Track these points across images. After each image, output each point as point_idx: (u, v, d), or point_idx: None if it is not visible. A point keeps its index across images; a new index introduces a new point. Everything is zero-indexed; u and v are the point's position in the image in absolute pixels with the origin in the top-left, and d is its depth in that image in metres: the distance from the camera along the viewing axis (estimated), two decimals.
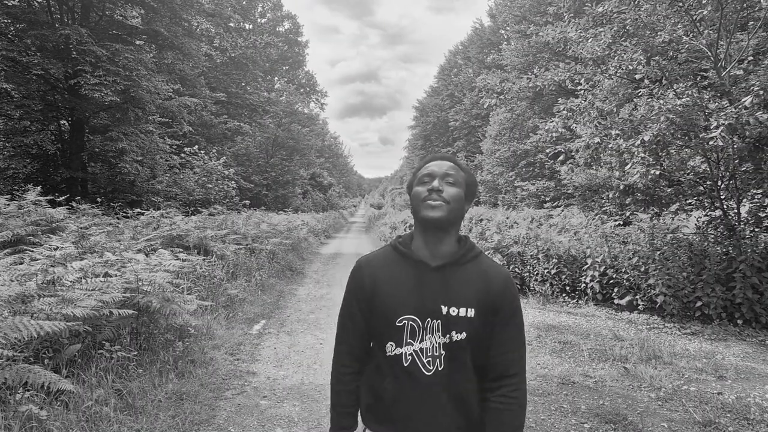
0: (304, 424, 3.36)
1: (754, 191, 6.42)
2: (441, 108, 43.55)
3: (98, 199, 12.00)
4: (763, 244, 6.01)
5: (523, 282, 8.02)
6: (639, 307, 6.51)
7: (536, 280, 7.79)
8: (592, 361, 4.73)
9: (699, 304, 5.91)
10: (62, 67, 11.79)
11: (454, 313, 1.26)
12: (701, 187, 6.68)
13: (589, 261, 7.22)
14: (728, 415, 3.48)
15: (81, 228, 6.40)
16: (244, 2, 36.50)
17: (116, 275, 4.25)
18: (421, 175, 1.33)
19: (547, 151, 13.85)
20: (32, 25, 11.85)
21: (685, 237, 6.79)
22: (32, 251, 4.63)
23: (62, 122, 13.66)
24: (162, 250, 5.77)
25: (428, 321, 1.27)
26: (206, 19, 18.57)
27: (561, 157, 10.91)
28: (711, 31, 6.33)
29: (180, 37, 14.75)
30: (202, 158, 18.87)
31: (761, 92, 5.09)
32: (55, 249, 4.58)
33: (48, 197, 8.47)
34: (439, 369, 1.27)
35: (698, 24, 6.28)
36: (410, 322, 1.28)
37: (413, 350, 1.28)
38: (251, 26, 37.81)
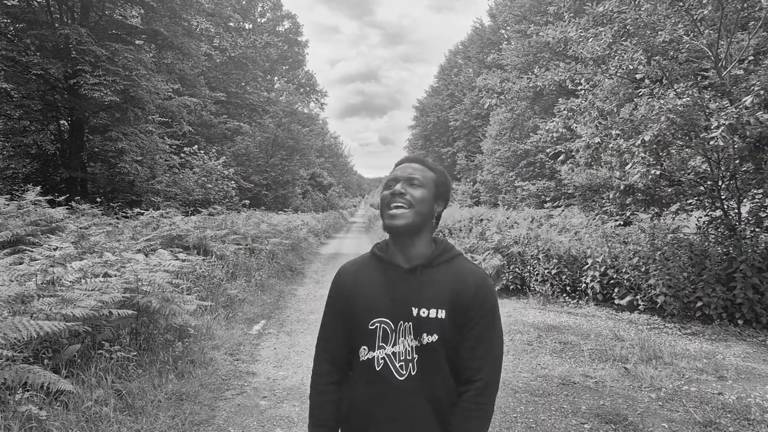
0: (303, 425, 3.35)
1: (755, 191, 6.42)
2: (441, 108, 43.58)
3: (98, 199, 11.97)
4: (763, 244, 6.00)
5: (523, 282, 8.02)
6: (639, 307, 6.51)
7: (536, 280, 7.79)
8: (592, 361, 4.73)
9: (699, 304, 5.91)
10: (62, 66, 11.77)
11: (425, 315, 1.24)
12: (702, 187, 6.68)
13: (590, 261, 7.22)
14: (729, 415, 3.47)
15: (80, 228, 6.39)
16: (243, 2, 36.49)
17: (116, 275, 4.24)
18: (387, 179, 1.33)
19: (548, 151, 13.87)
20: (32, 24, 11.84)
21: (685, 237, 6.79)
22: (32, 251, 4.62)
23: (62, 122, 13.65)
24: (161, 250, 5.76)
25: (401, 324, 1.25)
26: (206, 19, 18.56)
27: (561, 157, 10.92)
28: (711, 31, 6.33)
29: (179, 36, 14.74)
30: (202, 158, 18.85)
31: (762, 92, 5.09)
32: (55, 249, 4.57)
33: (47, 197, 8.47)
34: (412, 373, 1.24)
35: (699, 24, 6.27)
36: (382, 325, 1.27)
37: (385, 354, 1.26)
38: (251, 26, 37.80)
